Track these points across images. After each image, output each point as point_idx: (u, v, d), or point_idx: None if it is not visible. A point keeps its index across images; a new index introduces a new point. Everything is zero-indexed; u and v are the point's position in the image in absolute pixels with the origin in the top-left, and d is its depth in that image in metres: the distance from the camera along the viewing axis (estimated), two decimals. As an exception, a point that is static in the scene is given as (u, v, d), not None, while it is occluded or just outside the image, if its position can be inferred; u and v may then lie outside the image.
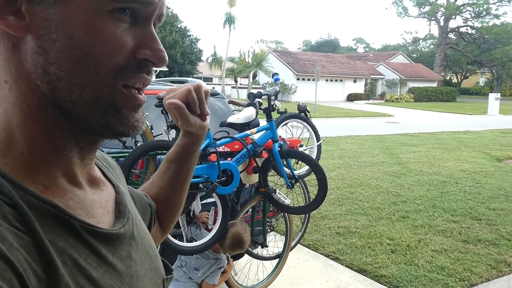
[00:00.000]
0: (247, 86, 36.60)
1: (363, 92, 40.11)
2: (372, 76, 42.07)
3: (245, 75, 37.04)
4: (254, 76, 36.40)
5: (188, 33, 40.55)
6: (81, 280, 0.47)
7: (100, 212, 0.58)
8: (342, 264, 4.21)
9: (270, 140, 2.83)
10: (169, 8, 39.96)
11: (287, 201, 2.99)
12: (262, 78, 36.97)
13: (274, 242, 3.46)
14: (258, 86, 36.44)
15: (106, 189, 0.64)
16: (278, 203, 2.96)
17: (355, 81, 40.36)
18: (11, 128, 0.49)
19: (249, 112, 2.90)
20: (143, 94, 0.56)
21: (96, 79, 0.49)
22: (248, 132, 2.81)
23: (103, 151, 2.27)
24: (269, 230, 3.39)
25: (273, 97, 2.84)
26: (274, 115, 3.01)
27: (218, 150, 2.72)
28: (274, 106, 2.85)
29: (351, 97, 38.58)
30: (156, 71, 26.88)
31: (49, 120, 0.50)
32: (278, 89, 2.91)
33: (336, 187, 7.07)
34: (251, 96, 2.77)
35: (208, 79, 47.78)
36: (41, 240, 0.44)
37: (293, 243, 3.56)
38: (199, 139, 0.87)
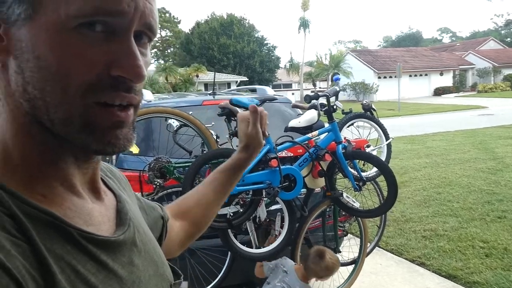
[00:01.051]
0: (325, 89, 36.06)
1: (452, 85, 37.54)
2: (460, 66, 39.18)
3: (324, 78, 36.62)
4: (338, 74, 35.86)
5: (265, 42, 41.22)
6: (80, 286, 0.48)
7: (100, 220, 0.59)
8: (429, 270, 3.94)
9: (333, 142, 2.75)
10: (246, 19, 41.00)
11: (356, 204, 2.87)
12: (342, 79, 36.32)
13: (349, 247, 3.34)
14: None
15: (107, 198, 0.65)
16: (347, 207, 2.86)
17: (441, 74, 37.93)
18: (6, 141, 0.52)
19: (310, 115, 2.85)
20: (128, 111, 0.54)
21: (65, 98, 0.49)
22: (309, 135, 2.76)
23: (163, 160, 2.36)
24: (343, 235, 3.29)
25: (333, 98, 2.76)
26: (339, 115, 2.92)
27: (280, 155, 2.71)
28: (334, 106, 2.77)
29: (439, 91, 36.30)
30: (236, 81, 27.44)
31: (38, 135, 0.52)
32: (337, 89, 2.82)
33: (422, 188, 6.66)
34: (307, 98, 2.72)
35: (287, 85, 48.00)
36: (38, 247, 0.45)
37: (369, 248, 3.41)
38: (253, 155, 1.02)
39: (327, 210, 3.09)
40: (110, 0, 0.47)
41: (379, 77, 35.91)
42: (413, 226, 5.00)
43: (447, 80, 37.96)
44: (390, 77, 35.40)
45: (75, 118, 0.50)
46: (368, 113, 3.06)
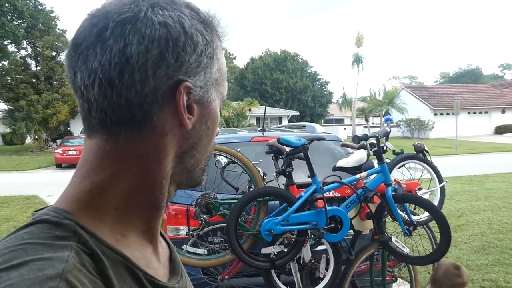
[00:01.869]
0: (379, 125, 35.44)
1: (515, 123, 35.53)
2: (525, 104, 37.15)
3: (377, 114, 36.01)
4: (389, 114, 35.16)
5: (318, 77, 41.47)
6: None
7: (157, 266, 0.63)
8: (487, 323, 3.64)
9: (383, 183, 2.68)
10: (299, 55, 41.61)
11: (406, 250, 2.74)
12: (395, 115, 35.56)
13: (399, 294, 3.18)
14: (392, 124, 34.99)
15: (162, 246, 0.69)
16: (396, 252, 2.74)
17: (503, 112, 36.13)
18: (113, 189, 0.57)
19: (359, 155, 2.80)
20: None
21: (209, 152, 0.67)
22: (358, 176, 2.70)
23: (209, 196, 2.40)
24: (392, 281, 3.14)
25: (383, 138, 2.70)
26: (389, 156, 2.85)
27: (327, 195, 2.67)
28: (384, 147, 2.71)
29: (500, 130, 34.53)
30: (288, 116, 27.71)
31: (164, 187, 0.61)
32: (388, 130, 2.77)
33: (481, 233, 6.25)
34: (356, 139, 2.68)
35: (339, 120, 47.67)
36: (113, 287, 0.50)
37: (421, 297, 3.22)
38: None
39: (375, 253, 2.98)
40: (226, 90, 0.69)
41: (435, 114, 34.80)
42: (470, 275, 4.65)
43: (509, 118, 36.05)
44: (447, 114, 34.23)
45: (206, 164, 0.67)
46: (420, 155, 2.96)
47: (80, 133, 24.12)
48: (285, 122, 33.90)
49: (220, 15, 0.64)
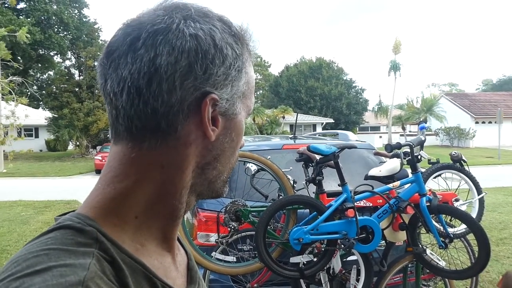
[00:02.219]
0: (416, 133, 34.51)
1: None
2: None
3: (414, 122, 35.10)
4: (424, 122, 34.20)
5: (354, 85, 40.95)
6: None
7: (175, 275, 0.63)
8: None
9: (416, 193, 2.59)
10: (335, 63, 41.27)
11: (442, 263, 2.64)
12: (434, 124, 34.52)
13: (435, 309, 3.06)
14: (430, 132, 34.05)
15: (180, 254, 0.70)
16: (431, 265, 2.64)
17: (549, 120, 34.35)
18: (136, 197, 0.58)
19: (392, 165, 2.73)
20: None
21: (232, 164, 0.66)
22: (391, 185, 2.63)
23: (238, 204, 2.40)
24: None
25: (417, 147, 2.62)
26: (425, 165, 2.76)
27: (359, 205, 2.61)
28: (419, 156, 2.63)
29: (547, 139, 32.76)
30: (322, 123, 27.50)
31: (183, 197, 0.61)
32: (423, 139, 2.68)
33: (526, 248, 5.93)
34: (388, 148, 2.61)
35: (375, 128, 46.79)
36: None
37: (458, 312, 3.09)
38: None
39: (409, 266, 2.88)
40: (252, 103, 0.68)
41: (477, 122, 33.54)
42: (513, 291, 4.43)
43: (555, 126, 34.25)
44: (490, 122, 32.92)
45: (228, 176, 0.67)
46: (457, 165, 2.85)
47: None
48: (319, 129, 33.64)
49: (253, 29, 0.66)
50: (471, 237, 2.82)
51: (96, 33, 28.91)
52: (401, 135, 35.21)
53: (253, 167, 2.93)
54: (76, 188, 13.54)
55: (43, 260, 0.46)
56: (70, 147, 30.03)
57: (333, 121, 35.40)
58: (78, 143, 27.47)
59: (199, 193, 0.64)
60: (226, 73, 0.58)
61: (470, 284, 3.18)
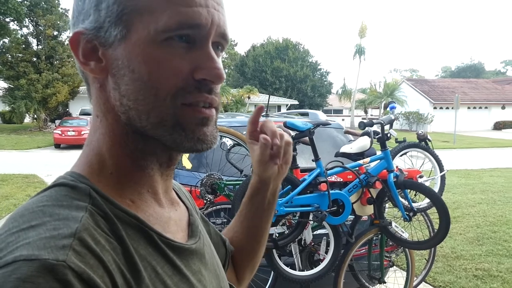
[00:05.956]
0: (377, 117, 35.45)
1: (514, 119, 35.64)
2: (525, 101, 37.23)
3: (376, 106, 36.02)
4: (386, 107, 35.13)
5: (319, 67, 41.30)
6: (158, 285, 0.53)
7: (175, 229, 0.64)
8: (480, 312, 3.74)
9: (385, 170, 2.73)
10: (301, 44, 41.37)
11: (405, 235, 2.81)
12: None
13: (395, 279, 3.25)
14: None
15: (180, 209, 0.70)
16: (395, 237, 2.80)
17: (503, 108, 36.23)
18: (102, 153, 0.59)
19: (362, 142, 2.85)
20: (212, 109, 0.60)
21: (157, 103, 0.55)
22: (361, 162, 2.75)
23: (214, 177, 2.44)
24: (389, 266, 3.21)
25: (387, 126, 2.75)
26: (391, 144, 2.90)
27: (330, 180, 2.72)
28: (388, 135, 2.76)
29: (499, 125, 34.68)
30: (287, 105, 27.51)
31: (131, 144, 0.59)
32: (392, 118, 2.81)
33: (476, 225, 6.35)
34: (362, 125, 2.72)
35: (338, 111, 47.64)
36: (127, 247, 0.51)
37: (416, 282, 3.30)
38: (266, 186, 0.86)
39: (374, 238, 3.04)
40: (190, 16, 0.54)
41: (435, 108, 34.85)
42: (463, 264, 4.76)
43: (509, 114, 36.16)
44: (447, 108, 34.27)
45: (167, 120, 0.56)
46: (423, 143, 3.00)
47: (79, 114, 24.07)
48: (284, 110, 33.86)
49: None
50: (430, 212, 3.02)
51: (56, 1, 27.48)
52: (363, 119, 35.92)
53: (228, 142, 2.97)
54: (34, 162, 13.10)
55: (38, 216, 0.48)
56: (27, 119, 28.75)
57: (298, 103, 35.69)
58: (35, 116, 26.36)
59: (145, 140, 0.59)
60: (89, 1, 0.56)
61: (428, 256, 3.40)
